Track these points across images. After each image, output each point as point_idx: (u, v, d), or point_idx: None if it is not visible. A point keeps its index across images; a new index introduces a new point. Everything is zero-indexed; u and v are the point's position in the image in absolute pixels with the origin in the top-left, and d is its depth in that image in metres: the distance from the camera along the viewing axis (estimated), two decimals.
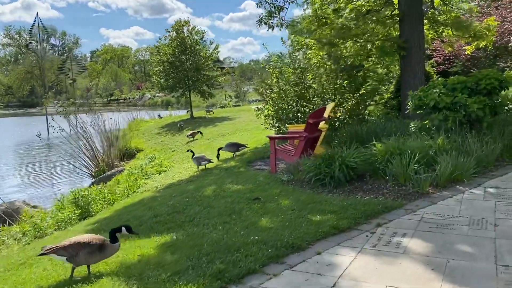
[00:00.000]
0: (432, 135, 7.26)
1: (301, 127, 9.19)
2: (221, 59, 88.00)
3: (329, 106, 9.19)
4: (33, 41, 26.63)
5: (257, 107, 11.52)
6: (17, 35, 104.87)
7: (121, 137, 20.81)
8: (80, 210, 6.62)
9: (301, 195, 5.65)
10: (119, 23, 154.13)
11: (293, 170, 6.81)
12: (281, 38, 11.17)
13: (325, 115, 8.95)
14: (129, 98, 73.93)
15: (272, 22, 10.47)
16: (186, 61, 22.14)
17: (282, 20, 10.60)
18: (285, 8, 10.38)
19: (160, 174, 10.05)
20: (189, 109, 24.18)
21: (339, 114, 10.44)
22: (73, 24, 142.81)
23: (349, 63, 10.64)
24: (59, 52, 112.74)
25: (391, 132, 8.73)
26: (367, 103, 12.94)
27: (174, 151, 14.03)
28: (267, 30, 10.73)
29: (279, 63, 11.16)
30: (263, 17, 10.42)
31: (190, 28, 22.45)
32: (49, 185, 11.59)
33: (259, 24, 10.52)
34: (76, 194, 6.92)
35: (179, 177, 8.61)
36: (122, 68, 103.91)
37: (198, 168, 8.93)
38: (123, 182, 8.89)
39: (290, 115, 10.57)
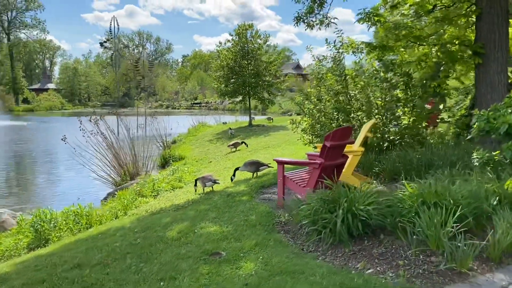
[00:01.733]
0: (500, 173, 5.13)
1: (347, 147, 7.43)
2: (304, 66, 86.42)
3: (367, 125, 7.30)
4: (108, 45, 26.75)
5: (292, 120, 9.85)
6: (116, 40, 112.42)
7: (174, 142, 20.30)
8: (29, 238, 5.55)
9: (279, 254, 3.97)
10: (211, 30, 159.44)
11: (292, 209, 5.12)
12: (326, 40, 9.32)
13: (361, 135, 7.10)
14: (211, 102, 75.22)
15: (312, 20, 8.75)
16: (247, 66, 20.99)
17: (326, 18, 8.83)
18: (326, 3, 8.60)
19: (173, 190, 8.83)
20: (267, 115, 22.99)
21: (392, 134, 8.43)
22: (170, 31, 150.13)
23: (408, 72, 8.60)
24: (152, 56, 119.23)
25: (452, 162, 6.67)
26: (439, 120, 10.71)
27: (210, 162, 12.80)
28: (305, 30, 8.93)
29: (323, 69, 9.39)
30: (302, 14, 8.74)
31: (253, 32, 21.26)
32: (72, 194, 10.88)
33: (297, 23, 8.86)
34: (35, 217, 5.87)
35: (181, 200, 7.27)
36: (208, 73, 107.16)
37: (203, 189, 7.53)
38: (121, 200, 7.79)
39: (328, 131, 8.76)
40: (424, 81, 8.35)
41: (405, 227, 3.92)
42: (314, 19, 8.79)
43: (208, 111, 63.36)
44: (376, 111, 8.51)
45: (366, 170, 7.52)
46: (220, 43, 21.79)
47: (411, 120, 8.45)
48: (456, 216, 3.79)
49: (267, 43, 21.69)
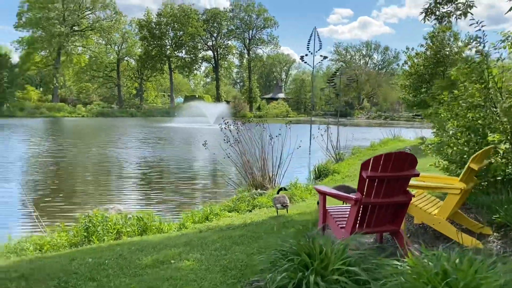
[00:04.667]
0: None
1: (448, 180, 5.55)
2: None
3: (478, 153, 5.08)
4: (308, 54, 27.15)
5: (423, 138, 7.80)
6: (344, 51, 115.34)
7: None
8: (79, 237, 5.82)
9: None
10: None
11: None
12: (476, 37, 6.85)
13: (475, 163, 4.98)
14: None
15: (443, 12, 6.69)
16: (442, 74, 18.16)
17: (469, 6, 6.62)
18: None
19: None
20: None
21: None
22: (403, 39, 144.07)
23: None
24: (379, 66, 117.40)
25: None
26: None
27: (353, 181, 11.44)
28: (432, 24, 6.83)
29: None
30: (431, 5, 6.77)
31: (451, 34, 18.26)
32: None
33: (425, 17, 6.93)
34: (84, 219, 6.13)
35: (244, 220, 6.59)
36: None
37: (277, 211, 6.66)
38: (202, 210, 7.56)
39: (461, 157, 6.55)
40: None
41: None
42: (449, 10, 6.74)
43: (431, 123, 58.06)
44: None
45: (490, 216, 5.33)
46: (408, 48, 19.49)
47: None
48: None
49: (469, 46, 18.23)
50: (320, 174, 14.29)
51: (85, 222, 6.05)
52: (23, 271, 4.08)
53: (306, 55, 32.18)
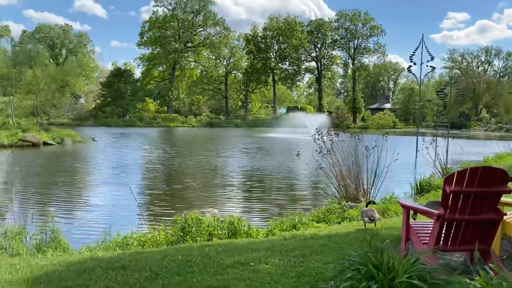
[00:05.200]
0: None
1: None
2: None
3: None
4: (415, 63, 26.18)
5: None
6: (459, 58, 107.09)
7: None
8: (176, 237, 6.33)
9: None
10: None
11: None
12: None
13: None
14: None
15: None
16: None
17: None
18: None
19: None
20: None
21: None
22: None
23: None
24: (501, 74, 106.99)
25: None
26: None
27: None
28: None
29: None
30: None
31: None
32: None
33: None
34: (180, 220, 6.62)
35: (329, 231, 6.62)
36: None
37: (365, 224, 6.58)
38: (291, 219, 7.67)
39: None
40: None
41: None
42: None
43: None
44: None
45: None
46: None
47: None
48: None
49: None
50: (422, 189, 13.57)
51: (182, 223, 6.61)
52: (123, 262, 4.65)
53: (411, 66, 30.58)
